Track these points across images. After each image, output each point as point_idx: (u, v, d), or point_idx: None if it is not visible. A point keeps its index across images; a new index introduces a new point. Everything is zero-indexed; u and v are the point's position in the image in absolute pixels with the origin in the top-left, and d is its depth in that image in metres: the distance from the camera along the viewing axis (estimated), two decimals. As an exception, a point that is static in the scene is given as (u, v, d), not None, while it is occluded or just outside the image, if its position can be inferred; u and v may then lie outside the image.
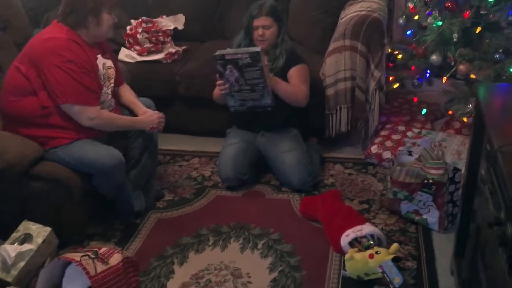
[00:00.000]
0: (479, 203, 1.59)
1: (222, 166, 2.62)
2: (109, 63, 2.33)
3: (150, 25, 3.20)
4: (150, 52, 3.15)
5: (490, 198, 1.41)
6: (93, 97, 2.16)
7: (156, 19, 3.28)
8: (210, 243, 2.24)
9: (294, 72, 2.56)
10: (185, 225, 2.37)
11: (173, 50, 3.16)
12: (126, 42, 3.19)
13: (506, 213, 1.23)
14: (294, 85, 2.55)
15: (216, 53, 2.39)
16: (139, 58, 3.11)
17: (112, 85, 2.33)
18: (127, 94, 2.46)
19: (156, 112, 2.42)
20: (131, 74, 2.91)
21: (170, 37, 3.23)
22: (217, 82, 2.49)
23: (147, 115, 2.38)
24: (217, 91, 2.59)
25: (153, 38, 3.16)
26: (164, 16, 3.34)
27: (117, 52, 3.18)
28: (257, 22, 2.56)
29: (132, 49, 3.16)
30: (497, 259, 1.27)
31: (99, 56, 2.25)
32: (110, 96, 2.30)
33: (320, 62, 2.80)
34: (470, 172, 1.79)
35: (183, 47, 3.22)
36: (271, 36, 2.56)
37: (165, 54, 3.11)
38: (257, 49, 2.34)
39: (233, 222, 2.37)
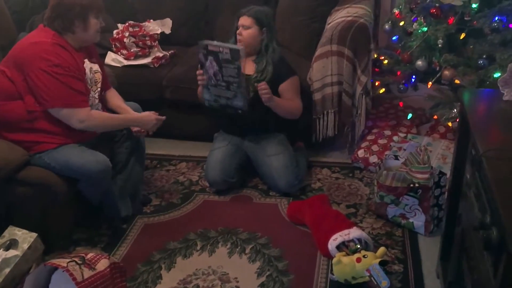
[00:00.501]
0: (464, 207, 1.61)
1: (209, 169, 2.62)
2: (96, 67, 2.32)
3: (137, 29, 3.19)
4: (137, 57, 3.15)
5: (475, 202, 1.43)
6: (81, 99, 2.14)
7: (143, 23, 3.27)
8: (198, 247, 2.24)
9: (287, 86, 2.55)
10: (172, 230, 2.36)
11: (160, 55, 3.15)
12: (113, 46, 3.18)
13: (491, 217, 1.25)
14: (289, 100, 2.55)
15: (203, 41, 2.42)
16: (126, 62, 3.10)
17: (99, 89, 2.32)
18: (114, 98, 2.44)
19: (153, 112, 2.40)
20: (118, 78, 2.90)
21: (157, 42, 3.22)
22: (197, 72, 2.50)
23: (144, 114, 2.37)
24: (200, 89, 2.59)
25: (140, 42, 3.15)
26: (151, 20, 3.34)
27: (103, 56, 3.17)
28: (238, 22, 2.58)
29: (119, 53, 3.15)
30: (482, 263, 1.29)
31: (86, 60, 2.24)
32: (97, 101, 2.29)
33: (307, 67, 2.81)
34: (455, 176, 1.81)
35: (170, 52, 3.22)
36: (248, 37, 2.54)
37: (152, 59, 3.10)
38: (240, 47, 2.35)
39: (220, 227, 2.37)
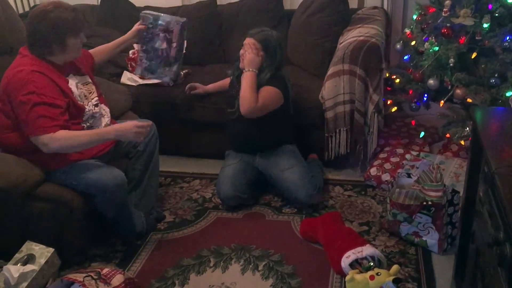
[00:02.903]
0: (478, 225, 1.61)
1: (221, 185, 2.65)
2: (85, 79, 2.32)
3: (152, 49, 3.25)
4: (152, 76, 3.20)
5: (489, 219, 1.43)
6: (50, 124, 2.04)
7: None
8: (211, 264, 2.25)
9: (262, 89, 2.56)
10: (186, 247, 2.38)
11: (175, 74, 3.20)
12: (129, 65, 3.24)
13: (504, 232, 1.25)
14: (251, 91, 2.52)
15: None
16: (141, 82, 3.16)
17: (97, 98, 2.33)
18: (100, 49, 2.60)
19: (142, 121, 2.31)
20: (133, 97, 2.96)
21: (172, 61, 3.28)
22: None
23: (122, 124, 2.24)
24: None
25: (155, 62, 3.21)
26: (166, 41, 3.41)
27: (119, 75, 3.24)
28: (244, 40, 2.64)
29: (134, 72, 3.21)
30: (497, 280, 1.29)
31: (70, 78, 2.23)
32: (96, 109, 2.29)
33: (319, 85, 2.85)
34: (469, 194, 1.82)
35: (184, 71, 3.27)
36: (247, 60, 2.58)
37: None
38: (182, 19, 2.56)
39: (234, 244, 2.38)
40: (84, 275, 1.77)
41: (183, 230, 2.51)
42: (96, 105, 2.31)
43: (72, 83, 2.23)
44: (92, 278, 1.76)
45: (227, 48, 3.53)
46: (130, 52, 3.29)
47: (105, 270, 1.84)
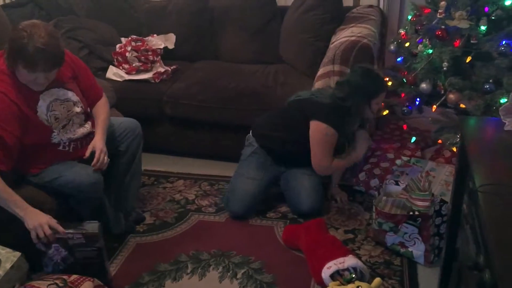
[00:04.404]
0: (462, 241, 1.53)
1: (237, 201, 2.51)
2: (65, 95, 2.11)
3: (139, 43, 3.17)
4: (138, 71, 3.12)
5: (471, 237, 1.35)
6: None
7: (146, 38, 3.25)
8: (189, 270, 2.17)
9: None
10: (164, 251, 2.30)
11: (162, 70, 3.12)
12: (115, 60, 3.16)
13: (484, 257, 1.17)
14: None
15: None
16: (127, 77, 3.07)
17: (80, 117, 2.17)
18: (97, 110, 2.28)
19: (58, 227, 1.93)
20: (118, 93, 2.88)
21: (159, 57, 3.20)
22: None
23: (33, 211, 1.91)
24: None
25: (142, 57, 3.13)
26: (155, 35, 3.33)
27: (105, 69, 3.15)
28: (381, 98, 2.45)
29: (121, 67, 3.13)
30: (476, 305, 1.21)
31: (45, 94, 2.04)
32: (70, 136, 2.14)
33: (309, 85, 2.76)
34: (455, 206, 1.74)
35: (172, 67, 3.19)
36: None
37: (153, 74, 3.07)
38: (96, 231, 1.96)
39: (213, 249, 2.30)
40: (49, 282, 1.69)
41: (163, 233, 2.43)
42: (66, 138, 2.12)
43: (43, 104, 2.04)
44: (58, 286, 1.68)
45: (218, 44, 3.44)
46: (117, 46, 3.20)
47: (73, 277, 1.77)
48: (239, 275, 2.14)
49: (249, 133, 2.63)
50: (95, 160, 2.10)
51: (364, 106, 2.38)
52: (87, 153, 2.13)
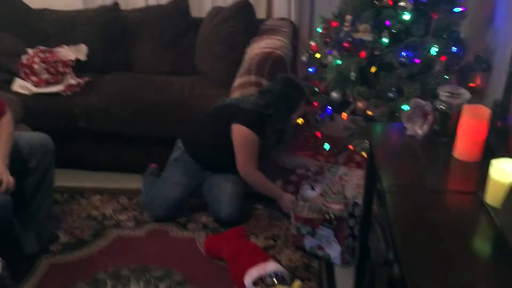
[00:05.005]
0: (373, 241, 1.63)
1: (162, 206, 2.53)
2: None
3: (48, 55, 3.04)
4: (48, 84, 2.99)
5: (381, 236, 1.45)
6: None
7: (56, 49, 3.12)
8: (108, 288, 2.11)
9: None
10: (81, 270, 2.21)
11: (74, 82, 3.01)
12: (21, 72, 3.00)
13: (393, 253, 1.26)
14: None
15: None
16: (36, 90, 2.93)
17: None
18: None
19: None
20: (27, 107, 2.74)
21: (71, 68, 3.08)
22: None
23: None
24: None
25: (52, 69, 3.00)
26: (65, 46, 3.20)
27: (9, 82, 2.98)
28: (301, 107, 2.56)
29: (28, 80, 2.98)
30: (388, 299, 1.29)
31: None
32: None
33: (225, 96, 2.79)
34: (366, 208, 1.84)
35: (85, 79, 3.08)
36: None
37: (65, 86, 2.95)
38: None
39: (133, 264, 2.25)
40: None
41: (79, 252, 2.34)
42: None
43: None
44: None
45: (132, 55, 3.38)
46: (24, 57, 3.04)
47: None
48: (161, 289, 2.11)
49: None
50: None
51: (285, 114, 2.46)
52: None
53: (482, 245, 1.18)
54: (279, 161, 2.73)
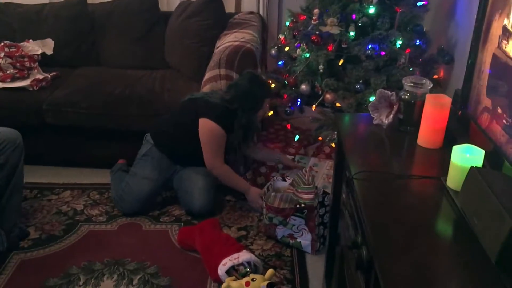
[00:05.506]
0: (342, 226, 1.69)
1: (132, 200, 2.53)
2: None
3: (14, 49, 2.99)
4: (14, 79, 2.94)
5: (350, 222, 1.50)
6: None
7: (21, 43, 3.07)
8: (81, 282, 2.10)
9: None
10: (52, 266, 2.20)
11: (41, 77, 2.97)
12: (-14, 68, 2.94)
13: (361, 236, 1.31)
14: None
15: None
16: (1, 85, 2.88)
17: None
18: None
19: None
20: (-9, 102, 2.69)
21: (37, 63, 3.04)
22: None
23: None
24: None
25: (18, 64, 2.95)
26: (31, 41, 3.15)
27: (-26, 78, 2.92)
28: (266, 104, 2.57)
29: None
30: (357, 281, 1.35)
31: None
32: None
33: (196, 90, 2.81)
34: (335, 196, 1.89)
35: (52, 74, 3.05)
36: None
37: (31, 81, 2.91)
38: None
39: (107, 258, 2.25)
40: None
41: (50, 247, 2.32)
42: None
43: None
44: None
45: (100, 50, 3.36)
46: (-12, 52, 2.98)
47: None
48: (135, 281, 2.12)
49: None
50: None
51: (249, 110, 2.49)
52: None
53: (444, 225, 1.24)
54: (249, 154, 2.76)
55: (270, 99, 2.60)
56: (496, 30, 1.39)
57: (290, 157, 2.93)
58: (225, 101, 2.46)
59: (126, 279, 2.13)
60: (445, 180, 1.36)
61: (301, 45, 2.74)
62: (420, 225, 1.21)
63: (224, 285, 2.00)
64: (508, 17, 1.32)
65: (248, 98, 2.46)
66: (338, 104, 2.68)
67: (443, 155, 1.47)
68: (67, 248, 2.32)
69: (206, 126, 2.43)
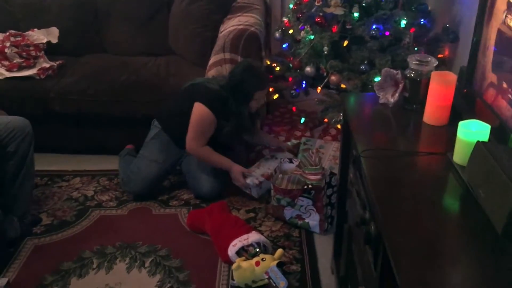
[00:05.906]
0: (350, 205, 1.71)
1: (138, 183, 2.57)
2: None
3: (19, 38, 3.00)
4: (20, 68, 2.95)
5: (357, 199, 1.52)
6: None
7: (27, 33, 3.09)
8: (94, 266, 2.15)
9: None
10: (66, 250, 2.24)
11: (47, 65, 2.99)
12: (-8, 57, 2.96)
13: (369, 212, 1.34)
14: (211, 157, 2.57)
15: None
16: (8, 74, 2.90)
17: None
18: None
19: None
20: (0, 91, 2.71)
21: (43, 52, 3.05)
22: None
23: None
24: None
25: (24, 53, 2.96)
26: (36, 29, 3.16)
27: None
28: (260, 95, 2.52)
29: (0, 64, 2.94)
30: (366, 257, 1.37)
31: None
32: None
33: (201, 75, 2.82)
34: (342, 176, 1.92)
35: (58, 62, 3.06)
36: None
37: (38, 70, 2.93)
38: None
39: (118, 242, 2.29)
40: None
41: (62, 233, 2.36)
42: None
43: None
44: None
45: (105, 37, 3.36)
46: (-6, 42, 3.00)
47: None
48: (147, 264, 2.16)
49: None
50: None
51: (240, 100, 2.46)
52: None
53: (450, 199, 1.27)
54: (253, 141, 2.79)
55: (264, 91, 2.53)
56: (501, 5, 1.40)
57: (295, 141, 2.95)
58: (221, 88, 2.47)
59: (138, 261, 2.17)
60: (451, 155, 1.37)
61: (305, 27, 2.74)
62: (427, 199, 1.23)
63: (234, 265, 2.03)
64: (512, -8, 1.32)
65: (238, 88, 2.43)
66: (343, 86, 2.69)
67: (449, 132, 1.49)
68: (79, 233, 2.36)
69: (198, 110, 2.44)
